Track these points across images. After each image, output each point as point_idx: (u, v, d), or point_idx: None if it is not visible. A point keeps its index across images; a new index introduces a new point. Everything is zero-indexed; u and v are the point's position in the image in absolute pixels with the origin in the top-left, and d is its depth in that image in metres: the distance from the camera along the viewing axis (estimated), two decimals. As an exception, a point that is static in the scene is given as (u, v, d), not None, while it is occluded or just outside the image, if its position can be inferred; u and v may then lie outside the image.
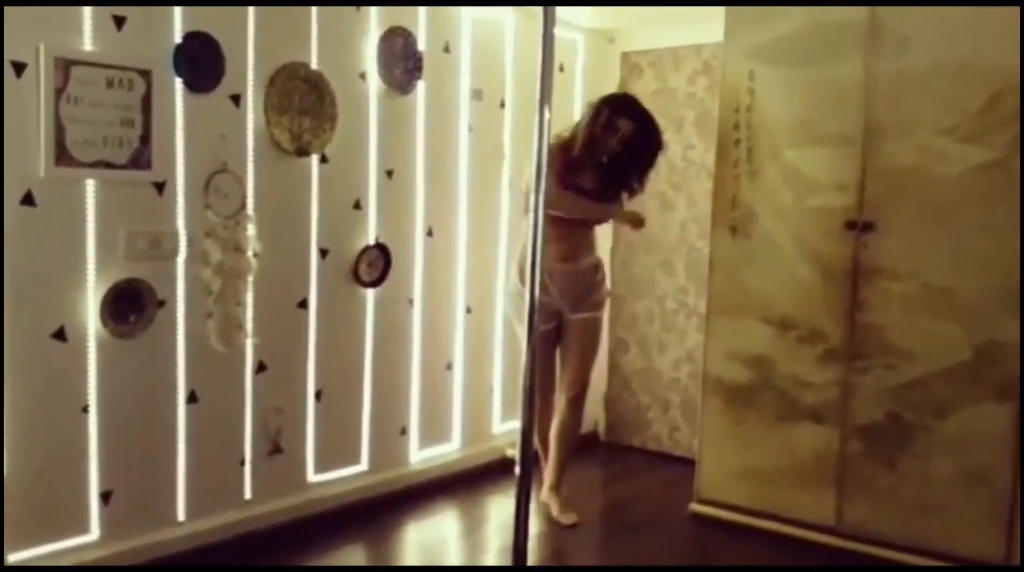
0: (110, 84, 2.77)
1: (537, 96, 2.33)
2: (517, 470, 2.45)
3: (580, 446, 4.67)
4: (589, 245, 3.64)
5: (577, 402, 3.69)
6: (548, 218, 3.42)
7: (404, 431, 3.89)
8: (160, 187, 2.94)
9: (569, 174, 3.48)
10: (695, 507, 3.75)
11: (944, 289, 3.17)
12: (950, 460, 3.19)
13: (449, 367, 4.07)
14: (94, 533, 2.88)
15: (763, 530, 3.56)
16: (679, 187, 4.54)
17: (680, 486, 3.96)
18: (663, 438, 4.66)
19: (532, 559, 3.26)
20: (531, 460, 2.44)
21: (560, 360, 3.68)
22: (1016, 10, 3.02)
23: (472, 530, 3.65)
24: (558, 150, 3.46)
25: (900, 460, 3.28)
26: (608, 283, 3.82)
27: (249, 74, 3.15)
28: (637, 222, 3.81)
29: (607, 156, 3.48)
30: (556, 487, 3.73)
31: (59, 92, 2.65)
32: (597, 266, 3.65)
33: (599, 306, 3.67)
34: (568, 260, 3.53)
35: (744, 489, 3.62)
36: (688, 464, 4.00)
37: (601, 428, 4.89)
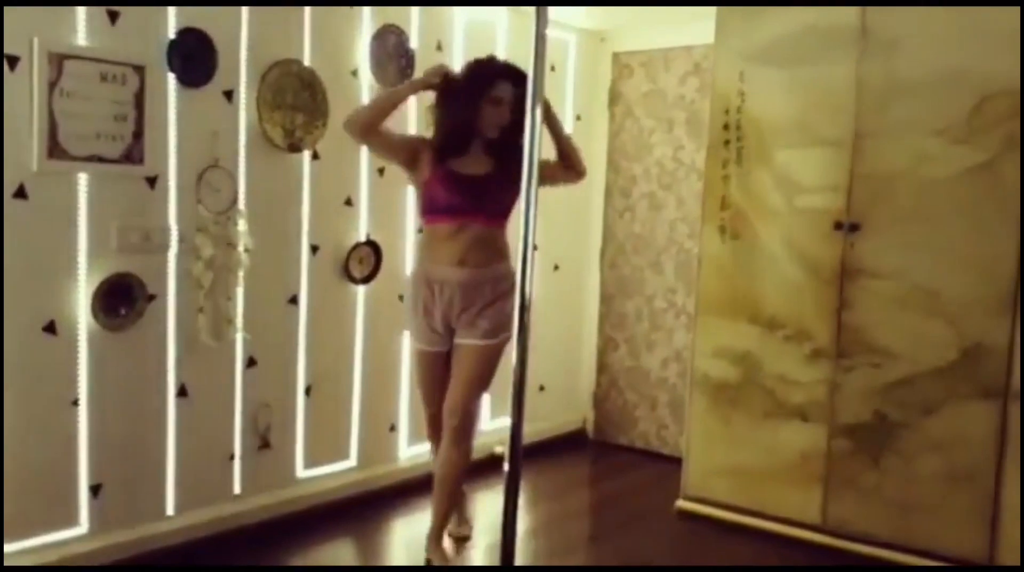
0: (103, 79, 2.78)
1: (529, 95, 2.35)
2: (506, 467, 2.48)
3: (568, 444, 4.71)
4: (501, 248, 3.02)
5: (459, 436, 3.07)
6: (441, 216, 2.97)
7: (393, 428, 3.91)
8: (152, 182, 2.95)
9: (457, 166, 2.98)
10: (682, 504, 3.77)
11: (932, 290, 3.20)
12: (935, 459, 3.22)
13: (439, 364, 4.08)
14: (83, 526, 2.89)
15: (749, 527, 3.59)
16: (668, 187, 4.57)
17: (667, 484, 3.98)
18: (651, 436, 4.69)
19: (520, 556, 3.28)
20: (520, 457, 2.46)
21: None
22: (1003, 17, 3.06)
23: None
24: (428, 145, 3.01)
25: (885, 458, 3.31)
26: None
27: (242, 70, 3.16)
28: (573, 160, 3.17)
29: (499, 130, 2.96)
30: (438, 538, 3.18)
31: (52, 86, 2.66)
32: (508, 276, 2.97)
33: (503, 328, 2.98)
34: (469, 265, 2.95)
35: (730, 487, 3.65)
36: (675, 462, 4.02)
37: (589, 426, 4.91)
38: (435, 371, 3.14)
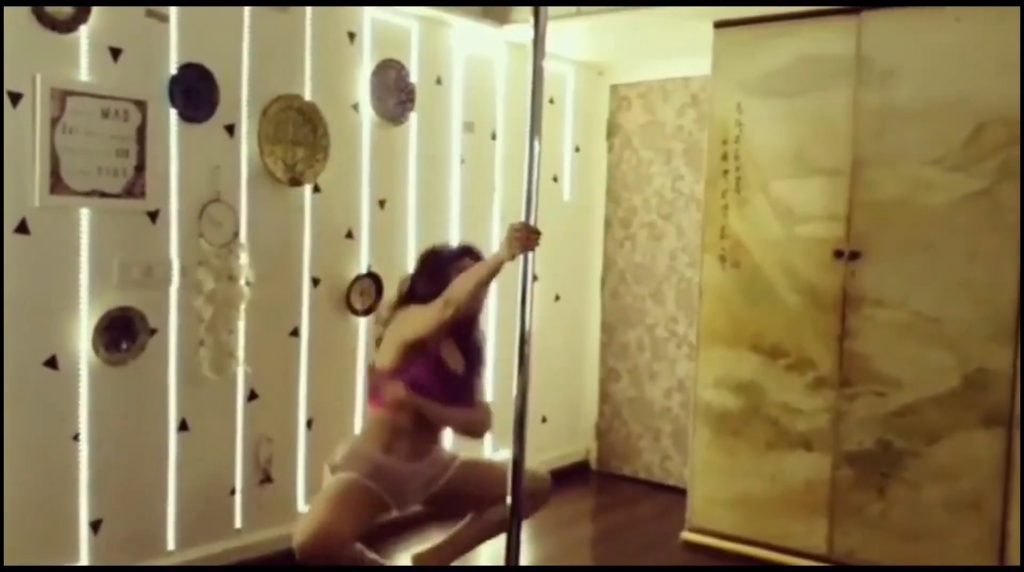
0: (105, 114, 2.80)
1: (528, 128, 2.38)
2: (508, 500, 2.46)
3: (571, 476, 4.68)
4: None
5: None
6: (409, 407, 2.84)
7: (395, 460, 3.89)
8: (154, 216, 2.96)
9: (442, 353, 2.94)
10: (687, 535, 3.74)
11: (933, 317, 3.20)
12: (940, 487, 3.20)
13: (440, 396, 4.07)
14: (83, 562, 2.87)
15: (754, 558, 3.55)
16: (668, 217, 4.59)
17: (672, 515, 3.96)
18: (654, 467, 4.67)
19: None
20: (522, 490, 2.45)
21: (472, 495, 3.08)
22: (999, 44, 3.08)
23: (463, 558, 3.63)
24: (416, 341, 2.86)
25: (890, 487, 3.29)
26: None
27: (243, 105, 3.19)
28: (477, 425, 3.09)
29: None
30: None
31: (55, 122, 2.68)
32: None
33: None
34: (425, 456, 2.99)
35: (735, 517, 3.62)
36: (680, 493, 4.00)
37: (592, 457, 4.88)
38: (373, 515, 2.88)
